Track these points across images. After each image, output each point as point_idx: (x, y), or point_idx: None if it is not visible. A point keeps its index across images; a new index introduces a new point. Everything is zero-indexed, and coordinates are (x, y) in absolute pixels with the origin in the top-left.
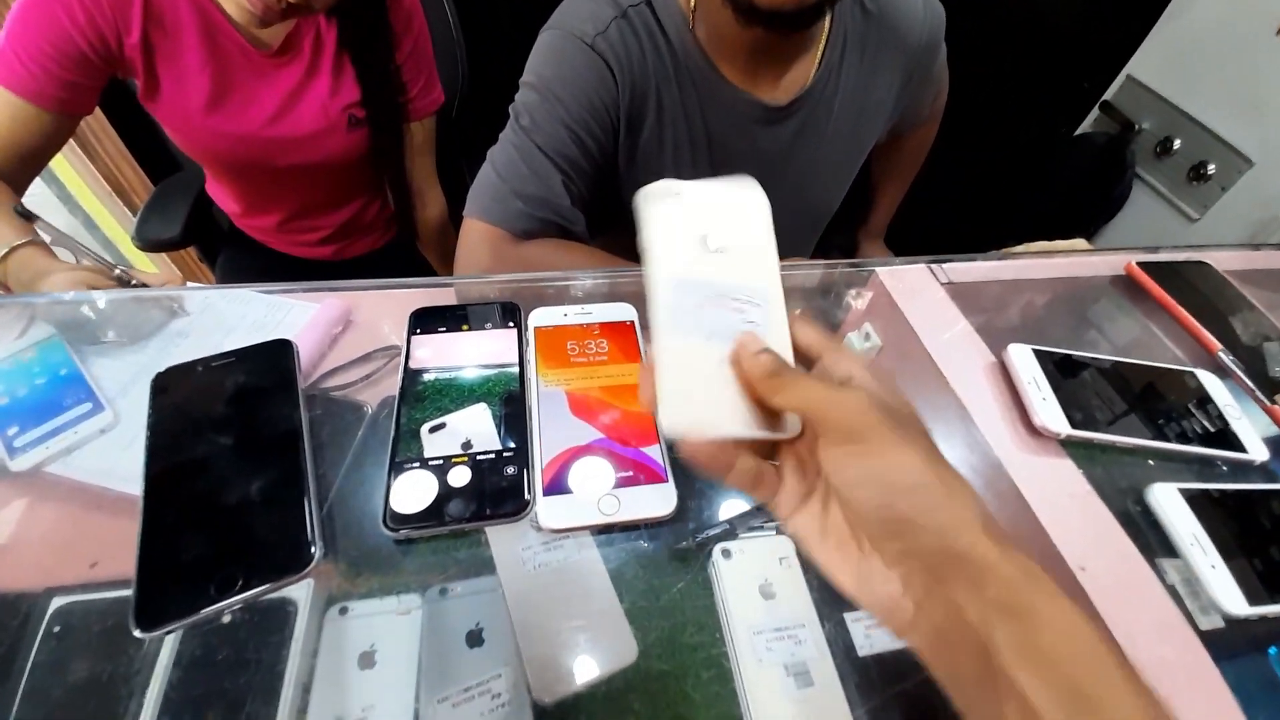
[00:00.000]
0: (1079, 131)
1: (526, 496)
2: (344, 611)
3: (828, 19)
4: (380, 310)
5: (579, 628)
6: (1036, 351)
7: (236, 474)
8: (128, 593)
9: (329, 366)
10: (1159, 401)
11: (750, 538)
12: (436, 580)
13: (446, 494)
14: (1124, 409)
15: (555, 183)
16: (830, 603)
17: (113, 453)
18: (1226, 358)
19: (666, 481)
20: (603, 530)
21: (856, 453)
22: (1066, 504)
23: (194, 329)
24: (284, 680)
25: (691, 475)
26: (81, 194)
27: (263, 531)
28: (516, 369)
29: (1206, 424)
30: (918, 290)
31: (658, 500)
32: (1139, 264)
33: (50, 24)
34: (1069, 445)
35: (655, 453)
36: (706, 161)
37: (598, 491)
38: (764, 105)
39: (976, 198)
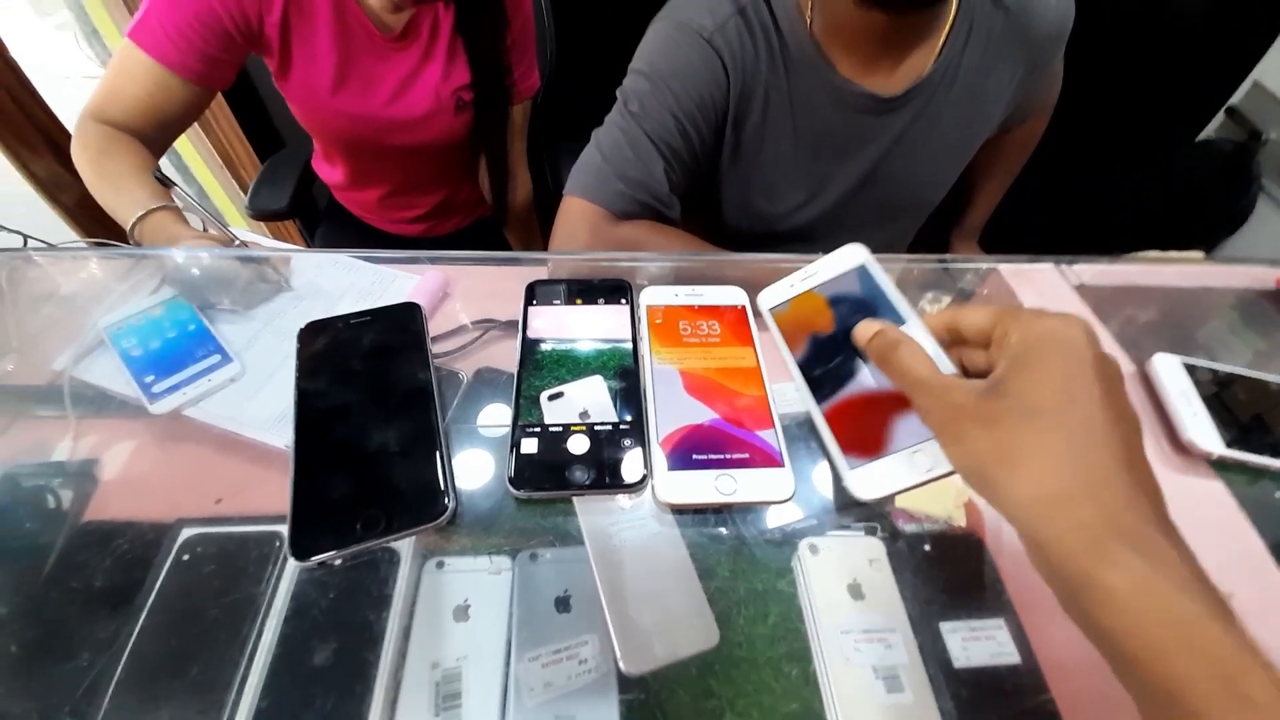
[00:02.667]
0: (1202, 137)
1: (644, 470)
2: (440, 565)
3: (953, 7)
4: (475, 284)
5: (663, 606)
6: (1186, 364)
7: (377, 424)
8: (249, 528)
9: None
10: None
11: (839, 535)
12: (527, 545)
13: (567, 460)
14: None
15: (657, 169)
16: (924, 611)
17: (240, 401)
18: None
19: (783, 466)
20: (718, 510)
21: (945, 442)
22: (1214, 528)
23: (308, 292)
24: (387, 624)
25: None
26: (197, 166)
27: (402, 480)
28: (629, 345)
29: None
30: (1046, 291)
31: (775, 484)
32: None
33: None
34: (1220, 467)
35: (771, 437)
36: (809, 154)
37: (714, 471)
38: (875, 97)
39: (1089, 201)
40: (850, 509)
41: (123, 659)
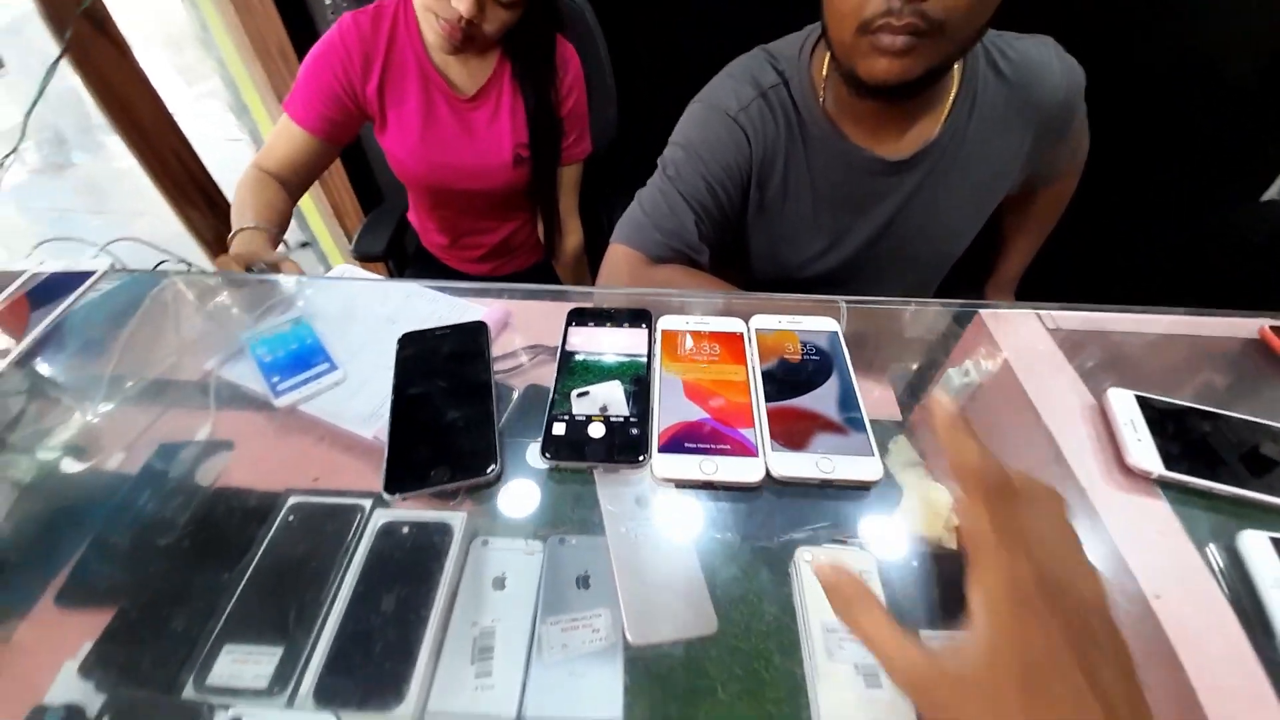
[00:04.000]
0: (1265, 198)
1: (645, 452)
2: (485, 544)
3: (955, 81)
4: (531, 317)
5: (669, 592)
6: (1139, 397)
7: (449, 407)
8: (338, 500)
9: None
10: (1267, 456)
11: (834, 547)
12: (557, 532)
13: (586, 440)
14: (1228, 459)
15: (689, 222)
16: (907, 620)
17: (341, 400)
18: None
19: (757, 456)
20: (702, 486)
21: (921, 709)
22: (1151, 537)
23: (400, 317)
24: (440, 586)
25: (787, 482)
26: (311, 216)
27: (464, 447)
28: (645, 359)
29: None
30: (1021, 333)
31: (749, 470)
32: (1276, 328)
33: (321, 71)
34: (1165, 488)
35: (750, 434)
36: (828, 210)
37: (700, 456)
38: (885, 160)
39: (1148, 263)
40: (850, 528)
41: (238, 591)
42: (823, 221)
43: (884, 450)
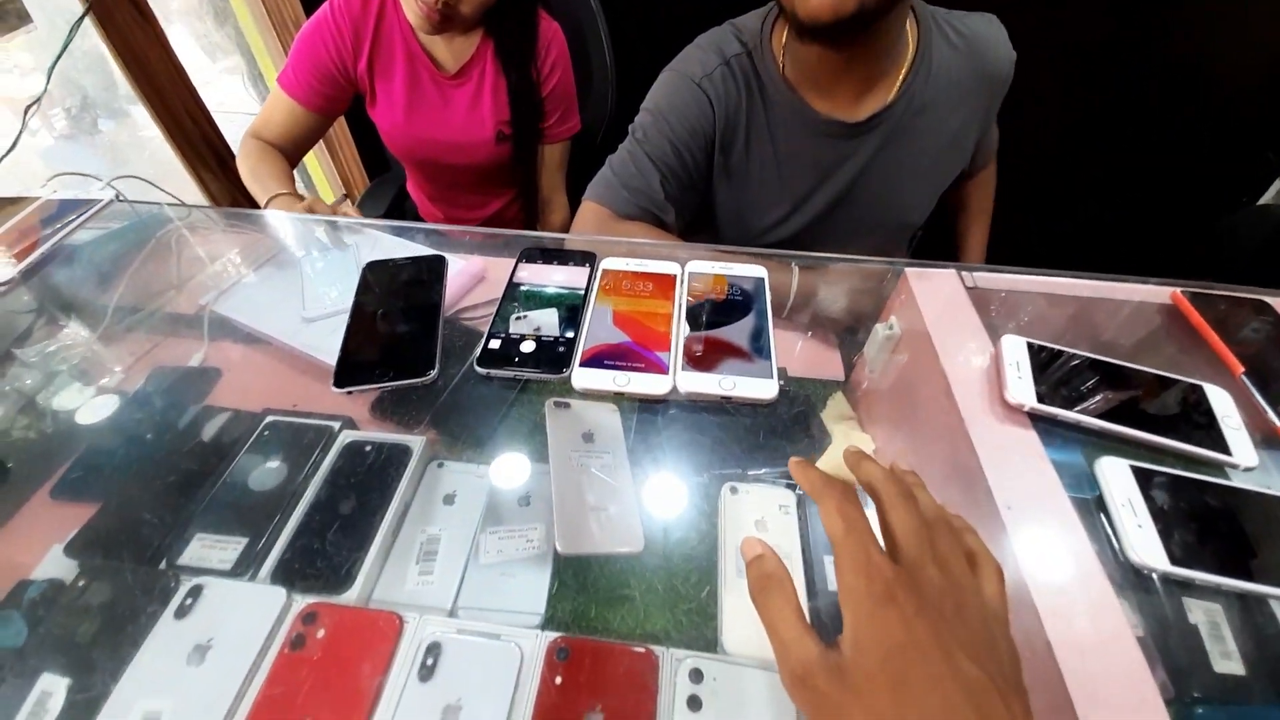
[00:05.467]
0: (1262, 202)
1: (568, 365)
2: (440, 465)
3: (910, 50)
4: (503, 272)
5: (601, 512)
6: (1030, 343)
7: (401, 321)
8: (309, 420)
9: (466, 304)
10: (1146, 398)
11: (758, 484)
12: (506, 456)
13: (517, 354)
14: (1106, 399)
15: (655, 181)
16: (814, 549)
17: (323, 335)
18: (1249, 381)
19: (666, 374)
20: (616, 397)
21: (792, 697)
22: (1013, 461)
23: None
24: (395, 496)
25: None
26: (321, 184)
27: (408, 354)
28: (582, 292)
29: (1194, 425)
30: (940, 290)
31: (658, 384)
32: (1186, 293)
33: (314, 48)
34: (1037, 422)
35: (665, 356)
36: (789, 174)
37: (615, 371)
38: (842, 122)
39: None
40: (780, 467)
41: (212, 490)
42: (785, 185)
43: (822, 404)
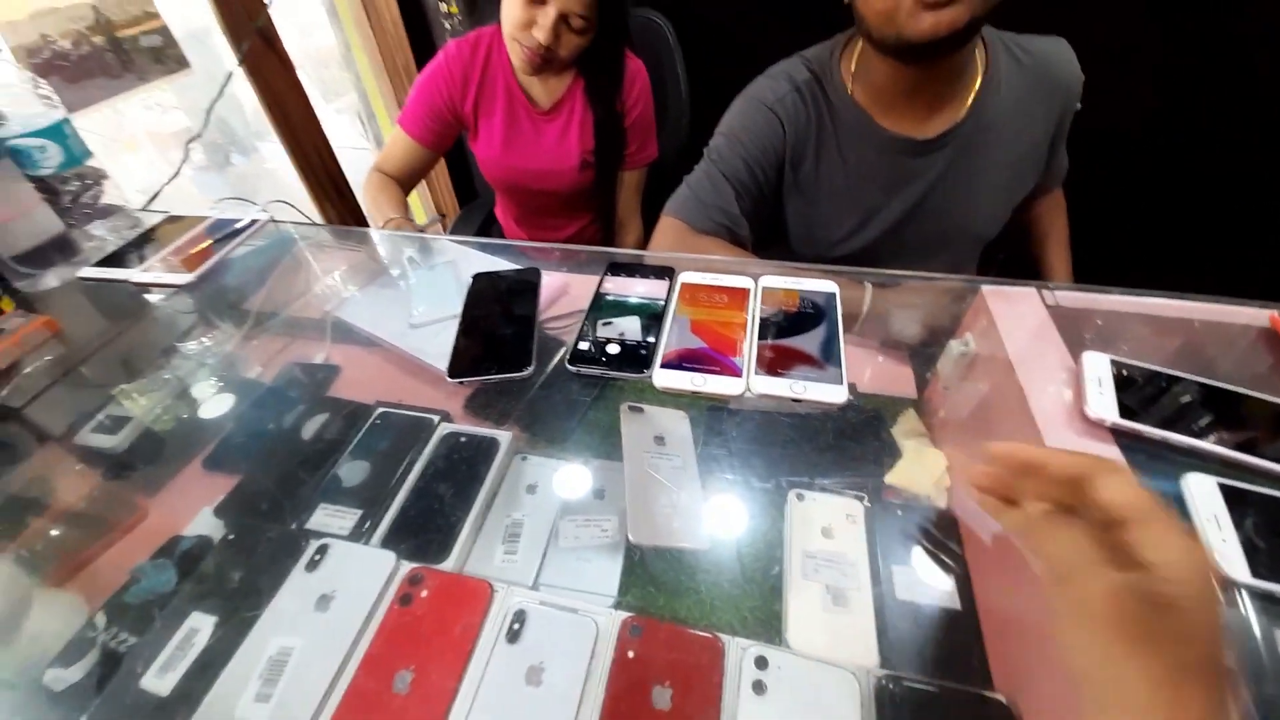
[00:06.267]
0: None
1: (649, 366)
2: (524, 459)
3: (979, 69)
4: (584, 288)
5: (670, 509)
6: (1114, 360)
7: (503, 324)
8: (414, 413)
9: (549, 315)
10: (1234, 417)
11: (825, 492)
12: (584, 455)
13: (603, 355)
14: (1193, 417)
15: (729, 197)
16: (885, 556)
17: (427, 338)
18: None
19: (740, 377)
20: (692, 396)
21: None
22: None
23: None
24: (484, 484)
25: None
26: (417, 210)
27: (509, 352)
28: (662, 303)
29: None
30: (1018, 307)
31: (732, 386)
32: None
33: (430, 92)
34: (1121, 438)
35: (739, 361)
36: (859, 189)
37: (692, 373)
38: (912, 140)
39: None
40: (848, 478)
41: (335, 467)
42: (855, 200)
43: (893, 420)
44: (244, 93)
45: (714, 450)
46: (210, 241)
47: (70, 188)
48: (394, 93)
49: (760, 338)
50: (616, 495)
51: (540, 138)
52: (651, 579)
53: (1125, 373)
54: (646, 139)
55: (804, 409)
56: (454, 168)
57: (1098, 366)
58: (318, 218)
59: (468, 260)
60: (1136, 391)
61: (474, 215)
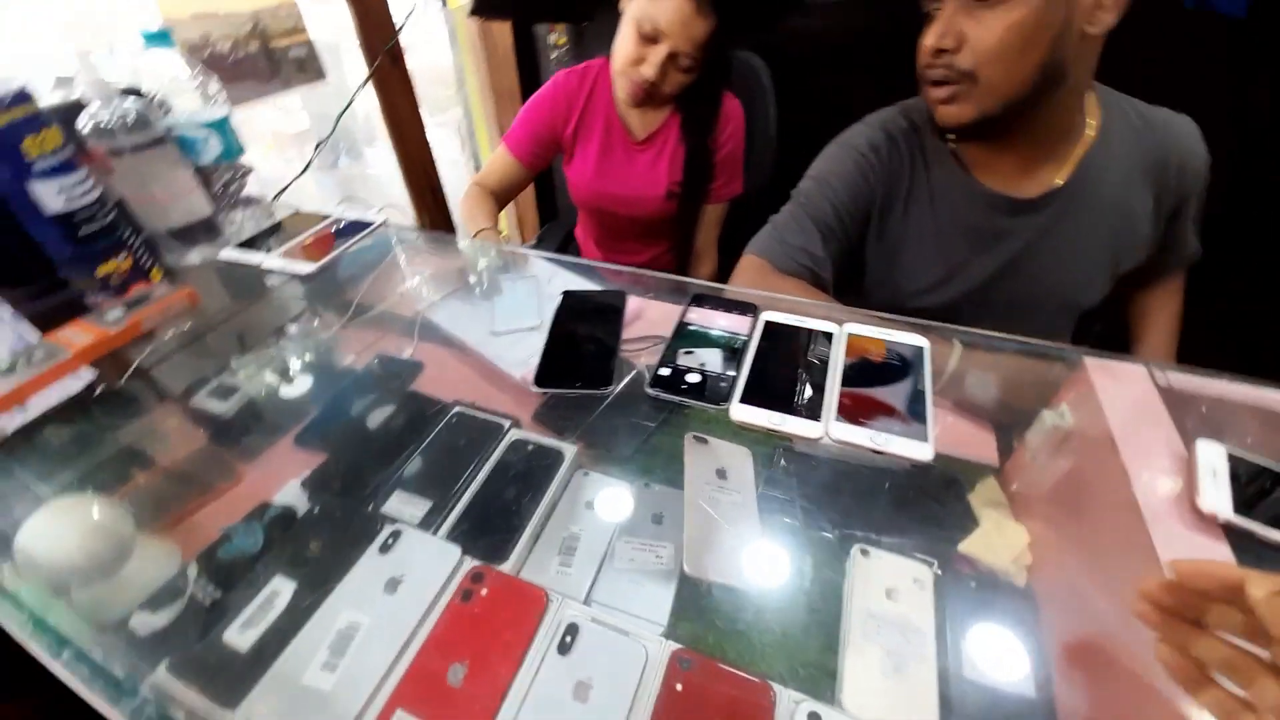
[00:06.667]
0: None
1: (728, 399)
2: (585, 474)
3: (1093, 131)
4: (658, 314)
5: (727, 545)
6: (1231, 453)
7: (588, 341)
8: (487, 415)
9: (624, 337)
10: None
11: (890, 552)
12: (643, 478)
13: (683, 383)
14: None
15: (815, 239)
16: (954, 632)
17: (504, 348)
18: None
19: (819, 420)
20: (768, 433)
21: None
22: None
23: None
24: (546, 494)
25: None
26: (502, 224)
27: (592, 369)
28: (745, 338)
29: None
30: (1125, 384)
31: (810, 429)
32: None
33: (537, 114)
34: (1232, 535)
35: (820, 405)
36: (948, 242)
37: (771, 411)
38: (1010, 199)
39: None
40: (917, 540)
41: (411, 457)
42: (940, 253)
43: (971, 487)
44: (359, 102)
45: (775, 492)
46: (333, 238)
47: (223, 178)
48: (496, 114)
49: (842, 384)
50: (674, 523)
51: (631, 166)
52: (702, 613)
53: (1242, 466)
54: (733, 175)
55: (875, 462)
56: (538, 187)
57: (1213, 456)
58: (414, 222)
59: (549, 276)
60: (1254, 486)
61: (554, 233)
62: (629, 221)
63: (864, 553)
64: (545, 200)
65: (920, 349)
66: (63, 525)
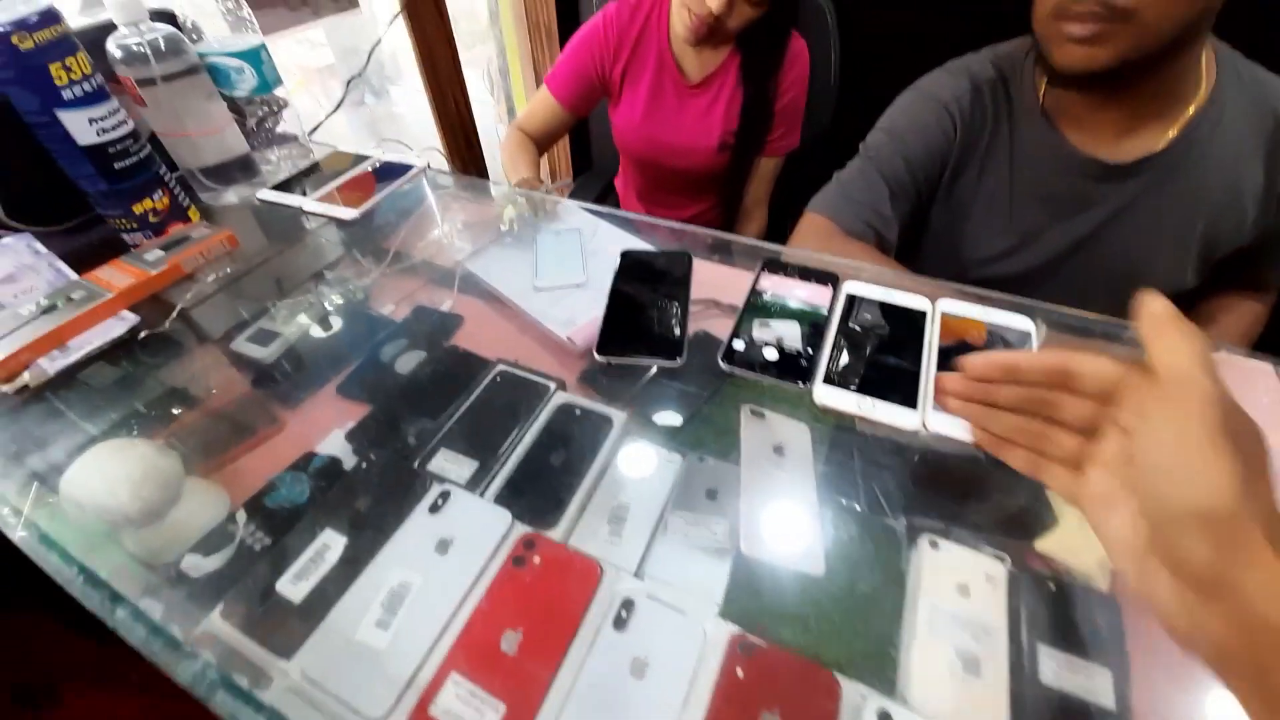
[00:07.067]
0: None
1: (810, 378)
2: (635, 441)
3: (1202, 90)
4: (707, 274)
5: (785, 527)
6: None
7: (653, 307)
8: (532, 376)
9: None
10: None
11: (962, 545)
12: (697, 451)
13: (760, 359)
14: None
15: (884, 197)
16: (1030, 632)
17: (547, 304)
18: None
19: (915, 409)
20: (855, 421)
21: (1172, 443)
22: None
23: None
24: (595, 461)
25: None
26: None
27: (660, 337)
28: (825, 312)
29: None
30: (1250, 381)
31: (905, 418)
32: None
33: (581, 53)
34: None
35: (912, 391)
36: (1023, 206)
37: (860, 395)
38: (1102, 163)
39: None
40: (987, 533)
41: (456, 415)
42: (1013, 219)
43: None
44: (386, 38)
45: (835, 471)
46: (373, 181)
47: (258, 112)
48: (530, 51)
49: (938, 369)
50: (728, 498)
51: (683, 111)
52: (757, 593)
53: None
54: (792, 126)
55: (943, 445)
56: (572, 134)
57: None
58: (448, 165)
59: (591, 230)
60: None
61: (591, 185)
62: (677, 174)
63: (933, 544)
64: (580, 148)
65: (1027, 334)
66: (111, 467)
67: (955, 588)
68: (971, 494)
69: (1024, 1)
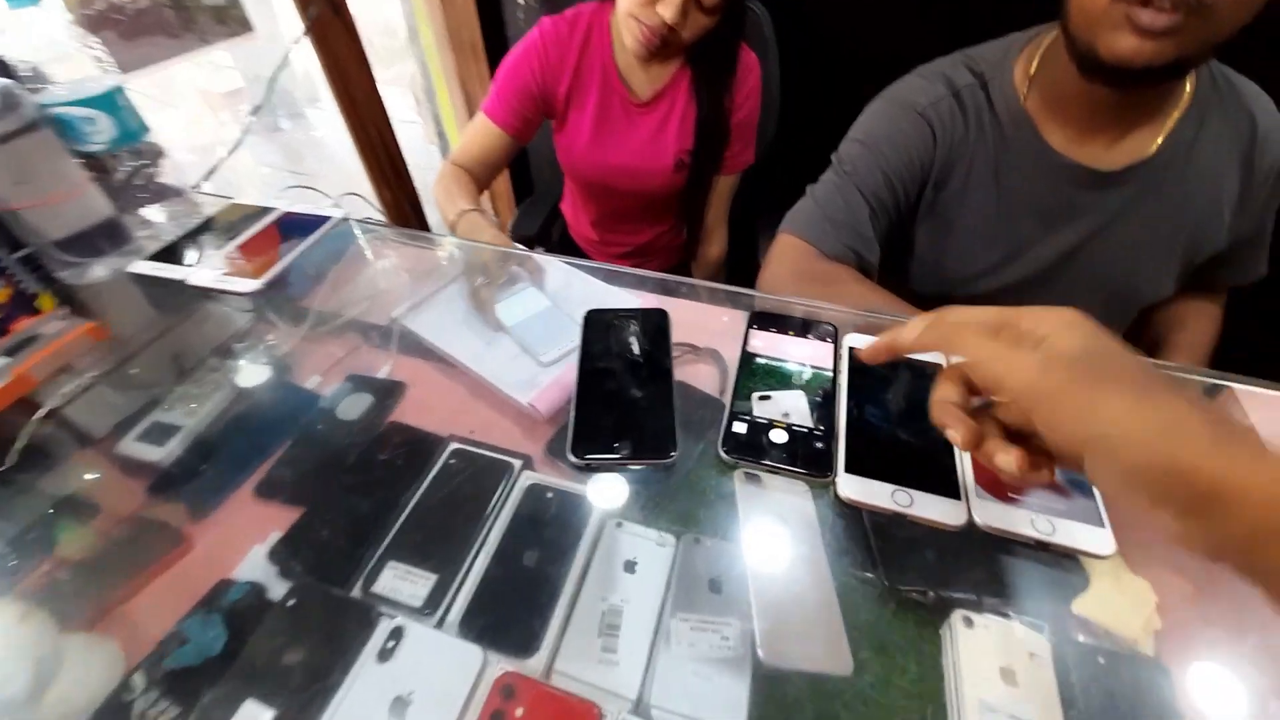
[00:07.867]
0: None
1: (830, 468)
2: (619, 525)
3: (1186, 94)
4: (681, 316)
5: (803, 619)
6: None
7: (634, 386)
8: (493, 454)
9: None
10: None
11: (999, 618)
12: (690, 530)
13: (768, 444)
14: None
15: (864, 216)
16: (1077, 709)
17: (503, 363)
18: None
19: (958, 499)
20: (891, 518)
21: (1043, 417)
22: None
23: (559, 298)
24: (576, 554)
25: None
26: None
27: (648, 428)
28: (830, 374)
29: None
30: (1271, 413)
31: (948, 512)
32: None
33: (522, 70)
34: None
35: (949, 470)
36: (1011, 218)
37: (894, 486)
38: (1089, 170)
39: None
40: (1018, 600)
41: (404, 515)
42: (1002, 232)
43: None
44: (297, 57)
45: (843, 538)
46: (279, 239)
47: (126, 166)
48: (457, 68)
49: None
50: (733, 588)
51: (634, 131)
52: (784, 709)
53: None
54: (748, 142)
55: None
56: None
57: None
58: (374, 198)
59: (548, 277)
60: None
61: (536, 210)
62: (631, 197)
63: (967, 622)
64: (519, 172)
65: None
66: None
67: (999, 673)
68: (990, 550)
69: (957, 9)
